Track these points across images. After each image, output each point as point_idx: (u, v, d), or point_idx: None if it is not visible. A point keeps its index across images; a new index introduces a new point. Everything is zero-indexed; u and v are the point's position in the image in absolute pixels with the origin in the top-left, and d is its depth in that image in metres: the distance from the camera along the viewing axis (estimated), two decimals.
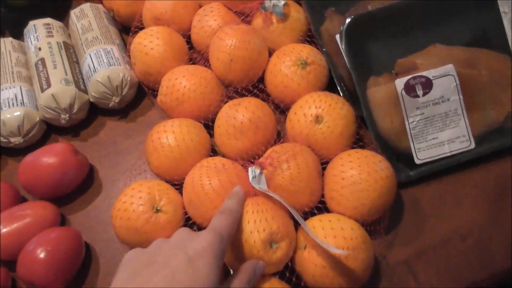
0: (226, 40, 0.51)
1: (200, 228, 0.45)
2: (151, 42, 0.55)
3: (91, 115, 0.60)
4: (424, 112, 0.48)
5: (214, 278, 0.32)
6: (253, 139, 0.47)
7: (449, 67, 0.47)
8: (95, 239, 0.50)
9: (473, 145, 0.48)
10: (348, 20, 0.48)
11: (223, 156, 0.49)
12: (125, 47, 0.62)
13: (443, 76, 0.47)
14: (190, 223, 0.45)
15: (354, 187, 0.41)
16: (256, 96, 0.54)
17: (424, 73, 0.47)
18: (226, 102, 0.51)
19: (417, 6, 0.50)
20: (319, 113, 0.46)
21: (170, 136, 0.47)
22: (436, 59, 0.48)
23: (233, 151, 0.48)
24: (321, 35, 0.55)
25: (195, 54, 0.59)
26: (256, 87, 0.54)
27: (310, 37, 0.56)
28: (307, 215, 0.44)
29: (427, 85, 0.47)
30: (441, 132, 0.48)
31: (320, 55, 0.53)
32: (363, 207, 0.42)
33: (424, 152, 0.48)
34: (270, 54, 0.54)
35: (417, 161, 0.48)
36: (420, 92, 0.47)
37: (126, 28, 0.67)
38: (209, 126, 0.51)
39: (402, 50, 0.50)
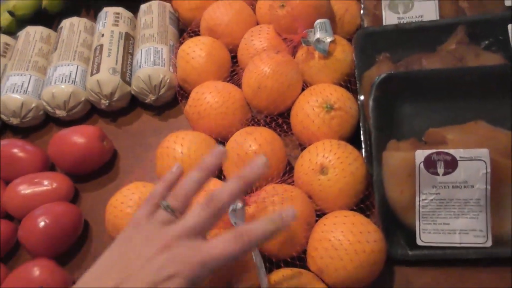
0: (259, 66, 0.51)
1: None
2: (193, 52, 0.56)
3: (132, 105, 0.64)
4: (440, 193, 0.43)
5: None
6: None
7: (483, 152, 0.42)
8: (96, 221, 0.54)
9: (489, 243, 0.43)
10: (382, 76, 0.45)
11: (225, 179, 0.49)
12: (177, 48, 0.64)
13: (473, 159, 0.42)
14: None
15: (332, 251, 0.39)
16: (280, 127, 0.53)
17: (451, 151, 0.43)
18: (245, 126, 0.51)
19: (469, 75, 0.45)
20: (325, 163, 0.44)
21: (178, 147, 0.48)
22: (472, 138, 0.43)
23: None
24: (362, 81, 0.53)
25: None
26: (282, 116, 0.53)
27: (350, 81, 0.54)
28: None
29: (451, 164, 0.43)
30: (454, 219, 0.43)
31: (352, 102, 0.50)
32: (339, 276, 0.39)
33: (429, 234, 0.44)
34: (306, 88, 0.53)
35: (420, 242, 0.44)
36: (441, 170, 0.43)
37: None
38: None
39: (440, 118, 0.46)
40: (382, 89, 0.45)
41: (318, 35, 0.50)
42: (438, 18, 0.55)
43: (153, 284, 0.30)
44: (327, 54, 0.52)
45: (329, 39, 0.51)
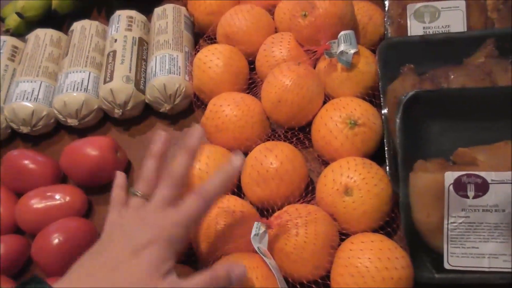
0: (279, 79, 0.49)
1: None
2: (210, 61, 0.55)
3: (146, 113, 0.62)
4: (470, 216, 0.42)
5: (157, 272, 0.32)
6: (275, 191, 0.45)
7: None
8: None
9: None
10: (410, 94, 0.43)
11: (245, 197, 0.48)
12: (192, 55, 0.62)
13: (505, 183, 0.41)
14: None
15: (358, 277, 0.38)
16: (301, 141, 0.51)
17: (483, 174, 0.41)
18: (265, 140, 0.50)
19: (499, 94, 0.43)
20: (349, 184, 0.43)
21: (195, 163, 0.47)
22: (503, 160, 0.42)
23: (253, 197, 0.46)
24: (386, 94, 0.51)
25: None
26: (303, 130, 0.52)
27: (374, 95, 0.52)
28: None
29: (482, 188, 0.41)
30: (484, 243, 0.42)
31: (376, 117, 0.48)
32: None
33: (457, 258, 0.42)
34: (327, 100, 0.51)
35: (447, 266, 0.42)
36: (471, 193, 0.41)
37: (204, 33, 0.68)
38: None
39: (468, 137, 0.44)
40: (410, 107, 0.44)
41: (342, 47, 0.48)
42: (465, 28, 0.53)
43: (134, 252, 0.32)
44: (350, 66, 0.50)
45: (352, 51, 0.50)
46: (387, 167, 0.47)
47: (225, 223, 0.42)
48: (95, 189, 0.56)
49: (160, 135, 0.40)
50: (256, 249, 0.38)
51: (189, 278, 0.33)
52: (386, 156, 0.48)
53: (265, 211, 0.46)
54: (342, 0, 0.51)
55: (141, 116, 0.62)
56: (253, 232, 0.39)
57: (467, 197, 0.41)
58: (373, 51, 0.53)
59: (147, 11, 0.73)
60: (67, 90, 0.59)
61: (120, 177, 0.41)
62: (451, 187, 0.42)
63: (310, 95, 0.49)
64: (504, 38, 0.50)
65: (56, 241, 0.47)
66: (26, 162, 0.55)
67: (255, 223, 0.40)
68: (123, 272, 0.32)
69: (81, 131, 0.62)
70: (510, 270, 0.41)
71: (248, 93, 0.55)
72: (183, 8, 0.67)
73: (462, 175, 0.41)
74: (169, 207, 0.35)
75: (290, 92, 0.48)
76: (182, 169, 0.37)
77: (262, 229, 0.39)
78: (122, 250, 0.33)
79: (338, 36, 0.49)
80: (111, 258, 0.33)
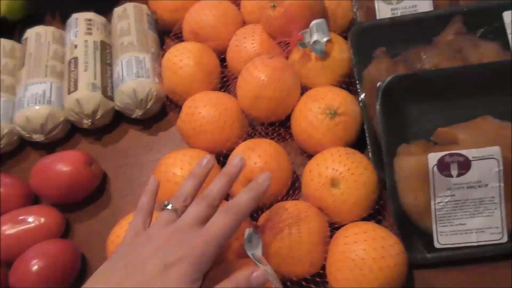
0: (254, 75, 0.48)
1: None
2: (180, 61, 0.53)
3: (117, 120, 0.60)
4: (455, 194, 0.42)
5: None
6: None
7: (495, 150, 0.41)
8: (92, 253, 0.50)
9: (505, 239, 0.43)
10: (388, 79, 0.43)
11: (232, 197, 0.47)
12: (159, 56, 0.60)
13: (486, 158, 0.42)
14: None
15: (356, 270, 0.38)
16: (282, 136, 0.50)
17: (464, 152, 0.42)
18: (244, 139, 0.49)
19: (473, 72, 0.44)
20: (336, 176, 0.42)
21: (178, 171, 0.45)
22: (482, 136, 0.43)
23: None
24: (362, 80, 0.51)
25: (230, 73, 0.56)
26: (283, 124, 0.51)
27: (350, 82, 0.51)
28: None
29: (465, 165, 0.42)
30: (470, 219, 0.43)
31: (354, 105, 0.48)
32: None
33: (447, 236, 0.43)
34: (304, 91, 0.51)
35: (437, 245, 0.43)
36: (455, 172, 0.42)
37: (168, 31, 0.65)
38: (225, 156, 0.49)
39: (446, 116, 0.45)
40: (388, 92, 0.44)
41: (315, 37, 0.48)
42: (432, 7, 0.54)
43: (165, 268, 0.32)
44: (324, 55, 0.49)
45: (325, 39, 0.49)
46: (370, 153, 0.47)
47: None
48: (71, 206, 0.53)
49: (206, 158, 0.39)
50: (250, 256, 0.37)
51: None
52: (368, 142, 0.48)
53: (254, 212, 0.45)
54: None
55: (112, 123, 0.59)
56: (246, 239, 0.38)
57: (451, 176, 0.42)
58: (345, 37, 0.53)
59: (105, 12, 0.70)
60: (28, 104, 0.56)
61: (152, 183, 0.40)
62: (435, 168, 0.42)
63: (287, 89, 0.48)
64: (470, 14, 0.51)
65: (35, 267, 0.44)
66: None
67: (247, 229, 0.39)
68: None
69: (49, 146, 0.59)
70: (497, 241, 0.43)
71: (223, 91, 0.53)
72: (144, 6, 0.64)
73: (445, 155, 0.42)
74: (201, 225, 0.35)
75: (267, 87, 0.47)
76: (218, 192, 0.36)
77: (255, 234, 0.39)
78: (153, 266, 0.32)
79: (310, 25, 0.48)
80: (142, 274, 0.32)
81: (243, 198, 0.35)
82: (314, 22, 0.48)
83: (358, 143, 0.49)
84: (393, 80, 0.43)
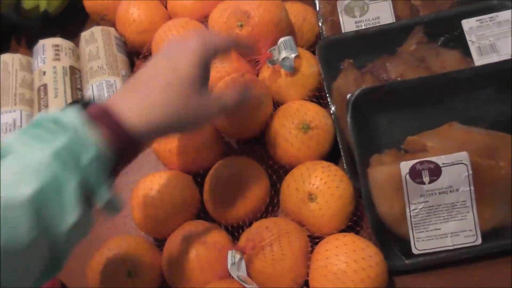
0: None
1: None
2: None
3: None
4: (429, 201, 0.44)
5: (192, 69, 0.34)
6: (241, 209, 0.44)
7: (463, 155, 0.43)
8: (72, 281, 0.49)
9: (479, 241, 0.44)
10: (356, 92, 0.44)
11: (212, 218, 0.47)
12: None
13: (455, 164, 0.43)
14: None
15: (338, 283, 0.39)
16: (258, 153, 0.51)
17: (434, 159, 0.43)
18: (221, 157, 0.49)
19: (437, 82, 0.45)
20: (312, 190, 0.43)
21: (155, 194, 0.45)
22: (450, 142, 0.44)
23: (220, 219, 0.46)
24: (332, 93, 0.52)
25: None
26: (258, 141, 0.52)
27: (320, 95, 0.53)
28: None
29: (435, 172, 0.43)
30: (445, 224, 0.44)
31: (326, 117, 0.49)
32: None
33: (423, 242, 0.44)
34: (276, 106, 0.51)
35: (415, 251, 0.44)
36: (426, 178, 0.43)
37: (137, 52, 0.65)
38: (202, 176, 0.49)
39: (415, 125, 0.47)
40: (357, 105, 0.45)
41: (284, 53, 0.48)
42: (393, 18, 0.56)
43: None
44: (293, 70, 0.50)
45: (293, 55, 0.50)
46: (344, 164, 0.48)
47: (197, 253, 0.41)
48: None
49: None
50: (236, 278, 0.37)
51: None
52: (342, 153, 0.49)
53: (234, 230, 0.45)
54: (275, 6, 0.50)
55: None
56: (229, 262, 0.39)
57: (423, 183, 0.43)
58: (312, 52, 0.54)
59: (72, 35, 0.69)
60: (0, 134, 0.55)
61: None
62: (407, 176, 0.43)
63: (260, 105, 0.49)
64: (430, 24, 0.53)
65: None
66: None
67: (229, 252, 0.39)
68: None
69: None
70: (471, 244, 0.44)
71: None
72: (112, 29, 0.63)
73: (416, 163, 0.43)
74: None
75: (240, 105, 0.48)
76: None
77: (238, 256, 0.39)
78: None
79: (278, 43, 0.49)
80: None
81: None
82: (282, 39, 0.49)
83: (332, 154, 0.50)
84: (361, 93, 0.45)
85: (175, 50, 0.36)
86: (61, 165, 0.27)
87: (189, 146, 0.48)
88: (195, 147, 0.48)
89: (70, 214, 0.27)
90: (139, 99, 0.32)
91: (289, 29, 0.53)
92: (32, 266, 0.27)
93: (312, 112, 0.48)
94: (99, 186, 0.29)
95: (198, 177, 0.49)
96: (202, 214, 0.47)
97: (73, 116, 0.29)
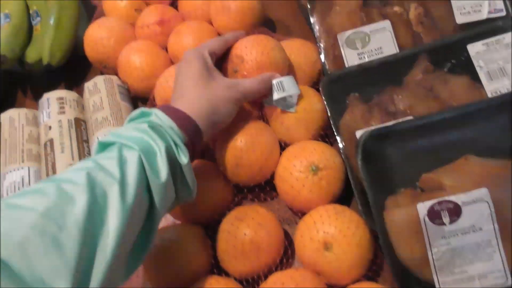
0: (232, 140, 0.47)
1: None
2: None
3: None
4: (451, 242, 0.41)
5: (197, 65, 0.44)
6: (256, 262, 0.43)
7: (483, 192, 0.41)
8: None
9: (509, 282, 0.41)
10: (365, 135, 0.43)
11: (225, 272, 0.45)
12: None
13: (475, 202, 0.41)
14: None
15: None
16: (269, 195, 0.49)
17: (452, 198, 0.41)
18: (231, 202, 0.48)
19: (449, 116, 0.44)
20: (328, 239, 0.41)
21: (167, 247, 0.44)
22: (468, 179, 0.42)
23: (234, 272, 0.44)
24: (339, 130, 0.50)
25: None
26: (269, 182, 0.50)
27: (326, 133, 0.51)
28: None
29: (456, 212, 0.41)
30: (471, 265, 0.42)
31: (335, 156, 0.47)
32: None
33: (450, 286, 0.42)
34: (283, 145, 0.50)
35: None
36: (446, 219, 0.41)
37: (141, 98, 0.65)
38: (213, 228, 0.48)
39: (429, 160, 0.45)
40: (367, 146, 0.43)
41: (276, 95, 0.47)
42: (396, 47, 0.54)
43: None
44: (295, 110, 0.49)
45: (295, 95, 0.49)
46: (359, 205, 0.46)
47: None
48: None
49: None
50: None
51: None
52: (355, 193, 0.47)
53: (249, 284, 0.44)
54: (270, 48, 0.49)
55: None
56: None
57: (444, 224, 0.41)
58: (315, 86, 0.53)
59: (75, 83, 0.70)
60: (7, 194, 0.55)
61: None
62: (426, 218, 0.41)
63: (268, 150, 0.48)
64: (435, 51, 0.51)
65: None
66: None
67: None
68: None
69: None
70: (502, 285, 0.42)
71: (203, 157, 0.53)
72: (114, 78, 0.63)
73: (434, 204, 0.41)
74: None
75: (247, 152, 0.46)
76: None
77: None
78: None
79: (278, 82, 0.48)
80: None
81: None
82: (274, 81, 0.48)
83: (347, 191, 0.48)
84: (370, 135, 0.43)
85: (181, 65, 0.46)
86: (153, 133, 0.38)
87: (197, 197, 0.47)
88: (203, 201, 0.47)
89: (163, 169, 0.37)
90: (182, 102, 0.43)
91: (287, 69, 0.52)
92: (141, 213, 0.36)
93: (319, 152, 0.46)
94: (180, 152, 0.39)
95: (208, 231, 0.48)
96: (215, 269, 0.46)
97: (159, 113, 0.40)
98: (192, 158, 0.41)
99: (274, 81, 0.48)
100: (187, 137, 0.40)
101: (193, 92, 0.43)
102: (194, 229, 0.46)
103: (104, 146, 0.39)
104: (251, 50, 0.48)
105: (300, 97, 0.50)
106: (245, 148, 0.46)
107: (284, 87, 0.48)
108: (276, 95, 0.48)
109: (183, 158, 0.38)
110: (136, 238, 0.36)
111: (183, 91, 0.43)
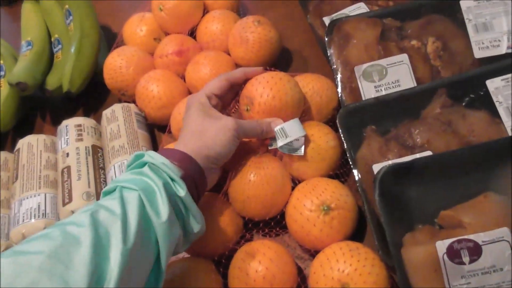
0: (243, 176, 0.47)
1: None
2: None
3: None
4: (471, 282, 0.40)
5: (194, 108, 0.47)
6: None
7: (504, 231, 0.40)
8: None
9: None
10: (382, 170, 0.43)
11: None
12: None
13: (496, 241, 0.40)
14: None
15: None
16: (283, 228, 0.49)
17: (472, 237, 0.40)
18: (241, 244, 0.47)
19: (468, 154, 0.43)
20: (343, 278, 0.41)
21: (177, 282, 0.43)
22: (488, 217, 0.41)
23: None
24: (356, 163, 0.50)
25: None
26: (282, 218, 0.50)
27: (343, 166, 0.51)
28: None
29: (476, 251, 0.40)
30: None
31: (346, 195, 0.47)
32: None
33: None
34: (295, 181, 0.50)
35: None
36: (466, 259, 0.40)
37: (158, 126, 0.66)
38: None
39: (448, 197, 0.44)
40: (385, 182, 0.43)
41: (279, 143, 0.47)
42: (413, 80, 0.54)
43: None
44: (302, 153, 0.49)
45: (299, 137, 0.48)
46: (375, 240, 0.45)
47: None
48: None
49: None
50: None
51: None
52: (372, 228, 0.46)
53: None
54: (282, 93, 0.49)
55: None
56: None
57: (463, 263, 0.40)
58: (328, 122, 0.53)
59: (93, 110, 0.71)
60: (23, 220, 0.55)
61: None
62: (445, 256, 0.40)
63: (278, 186, 0.47)
64: (453, 86, 0.51)
65: None
66: None
67: None
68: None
69: None
70: None
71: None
72: (132, 105, 0.64)
73: (453, 242, 0.40)
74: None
75: (257, 188, 0.46)
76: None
77: None
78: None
79: (282, 128, 0.48)
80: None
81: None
82: (276, 128, 0.48)
83: (357, 232, 0.48)
84: (389, 170, 0.43)
85: (187, 106, 0.49)
86: (150, 172, 0.40)
87: (206, 232, 0.46)
88: (213, 230, 0.46)
89: (164, 206, 0.38)
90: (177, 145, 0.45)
91: (299, 110, 0.52)
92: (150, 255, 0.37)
93: (330, 191, 0.46)
94: (176, 185, 0.40)
95: (220, 268, 0.47)
96: None
97: (152, 153, 0.42)
98: (197, 191, 0.42)
99: (276, 128, 0.48)
100: (183, 171, 0.41)
101: (188, 134, 0.45)
102: (204, 263, 0.46)
103: (107, 194, 0.40)
104: (261, 95, 0.48)
105: (312, 135, 0.50)
106: (255, 182, 0.46)
107: (286, 133, 0.48)
108: (279, 142, 0.48)
109: (180, 190, 0.39)
110: (146, 280, 0.37)
111: (181, 138, 0.46)
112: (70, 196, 0.55)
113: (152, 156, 0.41)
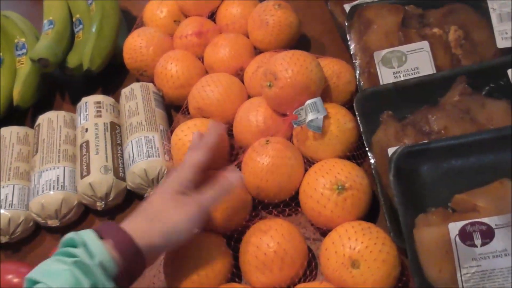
0: (256, 161, 0.48)
1: None
2: (190, 142, 0.53)
3: (129, 198, 0.59)
4: (482, 265, 0.41)
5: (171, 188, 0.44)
6: (278, 274, 0.43)
7: None
8: None
9: None
10: (398, 150, 0.43)
11: (249, 284, 0.45)
12: (167, 132, 0.61)
13: (509, 226, 0.40)
14: None
15: None
16: (293, 210, 0.50)
17: (486, 220, 0.40)
18: (254, 222, 0.48)
19: (483, 140, 0.43)
20: (353, 255, 0.41)
21: (187, 255, 0.44)
22: (502, 202, 0.41)
23: (257, 283, 0.44)
24: (371, 146, 0.51)
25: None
26: (294, 199, 0.50)
27: (355, 151, 0.51)
28: None
29: (488, 234, 0.40)
30: None
31: (362, 176, 0.47)
32: None
33: None
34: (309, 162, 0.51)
35: None
36: (478, 241, 0.40)
37: (175, 106, 0.67)
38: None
39: (463, 181, 0.44)
40: (400, 163, 0.43)
41: (310, 116, 0.48)
42: (433, 68, 0.54)
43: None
44: (321, 131, 0.49)
45: (321, 117, 0.49)
46: (387, 222, 0.46)
47: None
48: None
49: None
50: None
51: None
52: (384, 210, 0.47)
53: None
54: (305, 68, 0.49)
55: (124, 203, 0.59)
56: None
57: (475, 245, 0.40)
58: (347, 105, 0.54)
59: (112, 90, 0.72)
60: (43, 191, 0.57)
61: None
62: (457, 238, 0.41)
63: (290, 170, 0.48)
64: (473, 74, 0.51)
65: None
66: (10, 276, 0.51)
67: None
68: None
69: (63, 229, 0.59)
70: None
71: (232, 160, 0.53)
72: (150, 85, 0.65)
73: (466, 225, 0.41)
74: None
75: (270, 173, 0.47)
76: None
77: None
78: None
79: (305, 105, 0.48)
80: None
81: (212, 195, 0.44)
82: (308, 101, 0.48)
83: (370, 214, 0.48)
84: (403, 152, 0.43)
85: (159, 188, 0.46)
86: (79, 270, 0.36)
87: (221, 207, 0.47)
88: (227, 208, 0.47)
89: None
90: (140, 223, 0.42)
91: (320, 89, 0.52)
92: None
93: (346, 171, 0.46)
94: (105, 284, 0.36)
95: (231, 240, 0.48)
96: (236, 278, 0.46)
97: (87, 235, 0.38)
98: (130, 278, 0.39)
99: (308, 102, 0.49)
100: (120, 264, 0.37)
101: (145, 214, 0.43)
102: (213, 237, 0.47)
103: (30, 283, 0.36)
104: (286, 69, 0.48)
105: (330, 115, 0.50)
106: (267, 166, 0.47)
107: (318, 108, 0.49)
108: (311, 116, 0.48)
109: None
110: None
111: (136, 215, 0.43)
112: (88, 169, 0.56)
113: (92, 251, 0.36)
